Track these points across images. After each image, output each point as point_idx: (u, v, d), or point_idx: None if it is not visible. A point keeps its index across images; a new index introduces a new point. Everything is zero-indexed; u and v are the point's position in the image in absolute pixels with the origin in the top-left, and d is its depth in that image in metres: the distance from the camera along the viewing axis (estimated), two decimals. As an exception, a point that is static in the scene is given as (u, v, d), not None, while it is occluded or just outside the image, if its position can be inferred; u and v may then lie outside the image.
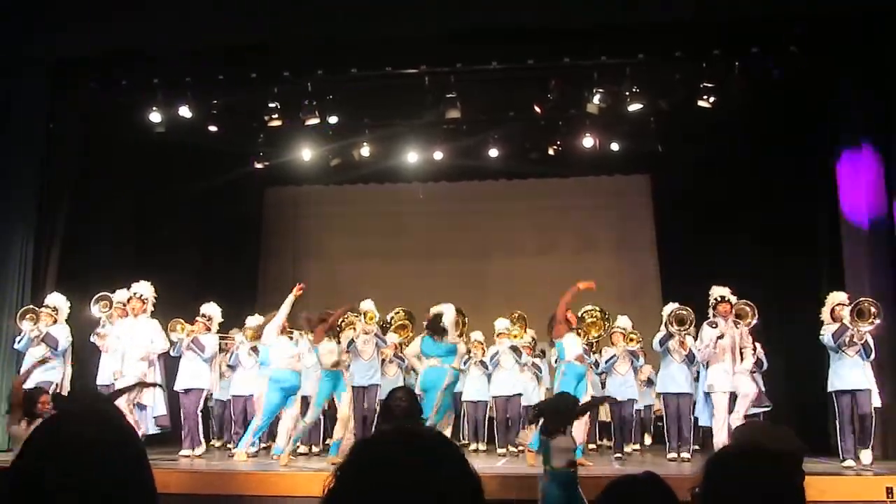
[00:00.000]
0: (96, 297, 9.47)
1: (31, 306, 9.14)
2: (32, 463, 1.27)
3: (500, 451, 10.41)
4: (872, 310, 8.14)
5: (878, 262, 9.34)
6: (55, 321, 9.02)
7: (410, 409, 5.20)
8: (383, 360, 10.59)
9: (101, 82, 10.32)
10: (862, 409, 8.17)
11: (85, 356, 9.54)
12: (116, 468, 1.28)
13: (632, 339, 10.40)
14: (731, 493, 1.87)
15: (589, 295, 11.50)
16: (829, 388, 8.41)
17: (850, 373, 8.26)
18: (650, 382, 11.09)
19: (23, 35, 9.54)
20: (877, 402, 8.32)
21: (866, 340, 8.24)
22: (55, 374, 8.86)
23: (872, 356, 8.33)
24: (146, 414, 9.01)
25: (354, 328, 10.48)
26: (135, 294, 8.96)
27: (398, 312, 11.11)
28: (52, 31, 9.52)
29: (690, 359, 9.36)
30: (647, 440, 11.60)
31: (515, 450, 10.30)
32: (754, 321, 8.87)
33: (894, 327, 9.06)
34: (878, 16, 8.90)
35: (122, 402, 8.42)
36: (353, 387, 10.27)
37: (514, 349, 10.41)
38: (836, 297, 8.60)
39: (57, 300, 9.18)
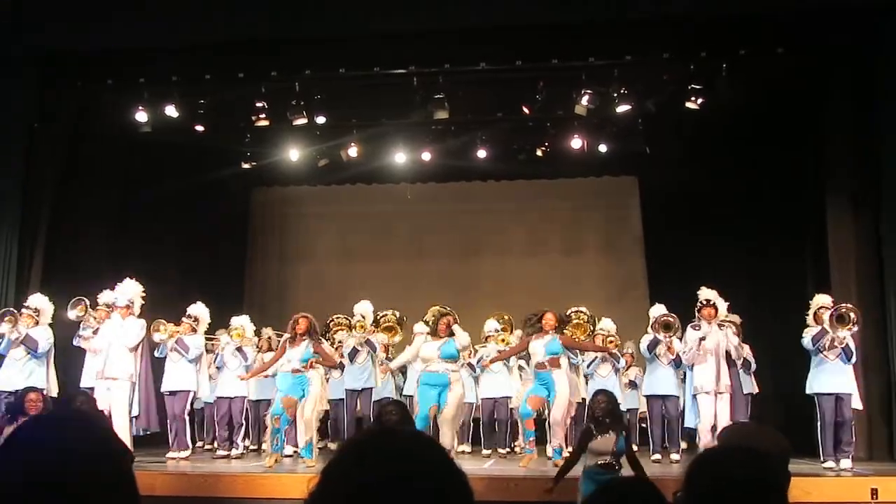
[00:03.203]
0: (72, 301, 9.31)
1: (10, 308, 8.99)
2: (12, 465, 1.26)
3: (485, 452, 10.41)
4: (852, 315, 8.15)
5: (864, 264, 9.42)
6: (37, 323, 8.86)
7: (401, 422, 5.23)
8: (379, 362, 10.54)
9: (87, 81, 10.25)
10: (842, 414, 8.19)
11: (69, 358, 9.45)
12: (98, 470, 1.27)
13: (610, 342, 10.42)
14: (715, 494, 1.87)
15: (576, 296, 11.59)
16: (809, 391, 8.45)
17: (831, 376, 8.30)
18: (634, 385, 11.09)
19: (7, 33, 9.46)
20: (857, 404, 8.36)
21: (847, 344, 8.26)
22: (39, 379, 8.72)
23: (854, 359, 8.36)
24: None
25: (346, 330, 10.47)
26: (120, 296, 8.88)
27: (386, 314, 11.09)
28: (38, 30, 9.45)
29: (677, 363, 9.39)
30: (633, 447, 11.31)
31: (503, 451, 10.33)
32: (737, 339, 8.91)
33: (879, 329, 9.13)
34: (865, 15, 8.95)
35: (122, 403, 8.43)
36: (346, 390, 10.29)
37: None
38: (820, 300, 8.64)
39: (39, 301, 9.02)
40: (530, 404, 8.55)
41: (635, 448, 10.81)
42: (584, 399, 9.59)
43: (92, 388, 8.83)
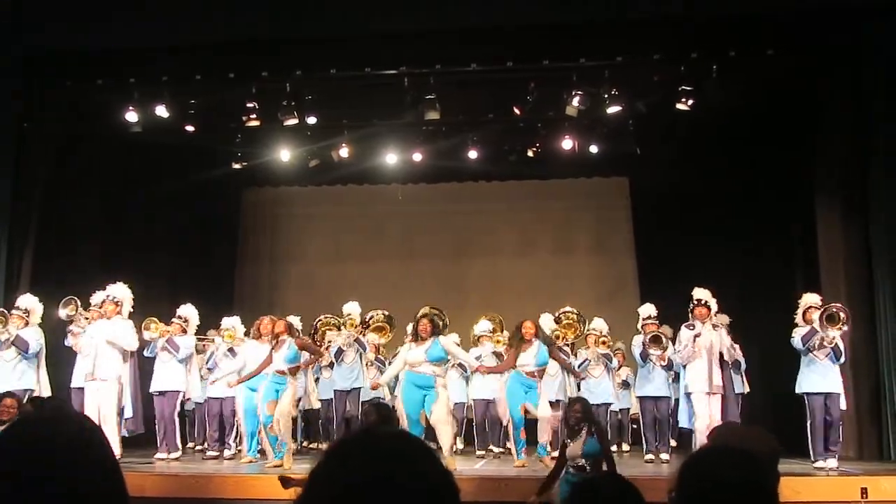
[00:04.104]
0: (63, 300, 9.28)
1: (1, 309, 8.99)
2: (1, 466, 1.26)
3: (478, 453, 10.42)
4: (842, 315, 8.17)
5: (853, 265, 9.46)
6: (27, 323, 8.82)
7: (379, 421, 5.25)
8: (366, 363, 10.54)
9: (77, 81, 10.21)
10: (831, 414, 8.23)
11: (59, 359, 9.41)
12: (86, 472, 1.27)
13: (603, 343, 10.44)
14: (705, 495, 1.88)
15: (567, 296, 11.59)
16: (798, 390, 8.48)
17: (821, 376, 8.33)
18: (626, 385, 11.10)
19: (1, 32, 9.43)
20: (842, 405, 8.40)
21: (836, 344, 8.29)
22: (30, 381, 8.70)
23: (843, 359, 8.40)
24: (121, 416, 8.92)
25: (334, 330, 10.46)
26: (108, 296, 8.85)
27: (375, 314, 11.08)
28: (27, 29, 9.41)
29: (669, 366, 9.43)
30: (626, 447, 11.12)
31: (495, 451, 10.34)
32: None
33: (869, 329, 9.17)
34: (861, 15, 9.00)
35: (110, 403, 8.40)
36: (334, 390, 10.29)
37: (498, 354, 10.42)
38: (809, 300, 8.67)
39: (29, 302, 8.98)
40: (523, 412, 8.59)
41: (626, 448, 10.97)
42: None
43: (81, 389, 8.81)
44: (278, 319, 8.89)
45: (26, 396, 8.62)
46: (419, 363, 8.21)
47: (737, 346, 9.12)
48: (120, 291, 8.92)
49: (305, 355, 9.04)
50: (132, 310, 9.02)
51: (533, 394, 8.55)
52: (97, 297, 9.20)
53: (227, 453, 9.82)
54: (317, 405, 10.87)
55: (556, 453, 8.57)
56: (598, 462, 5.81)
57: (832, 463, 8.08)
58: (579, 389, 10.11)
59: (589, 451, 5.78)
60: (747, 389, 9.73)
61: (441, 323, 8.57)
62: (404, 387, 8.30)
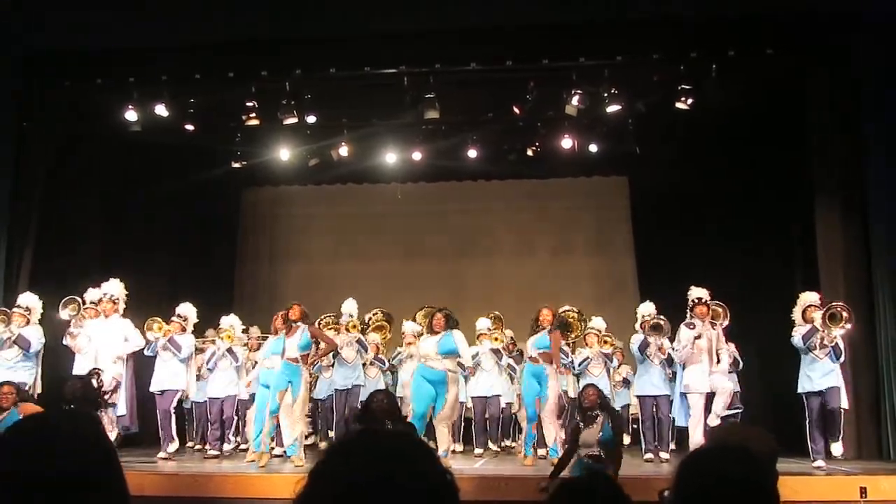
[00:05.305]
0: (65, 300, 9.26)
1: (2, 308, 8.99)
2: (5, 462, 1.26)
3: (476, 451, 10.43)
4: (844, 314, 8.18)
5: (852, 264, 9.46)
6: (28, 322, 8.84)
7: (390, 410, 5.30)
8: (364, 363, 10.55)
9: (77, 81, 10.21)
10: (831, 404, 8.23)
11: (57, 357, 9.41)
12: (88, 469, 1.27)
13: (606, 342, 10.44)
14: (706, 491, 1.88)
15: (567, 296, 11.60)
16: (800, 390, 8.50)
17: (821, 375, 8.34)
18: (626, 383, 11.10)
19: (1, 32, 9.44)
20: (844, 403, 8.41)
21: (836, 342, 8.30)
22: (27, 376, 8.69)
23: (843, 358, 8.41)
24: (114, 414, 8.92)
25: (336, 330, 10.46)
26: (105, 294, 8.85)
27: (376, 313, 11.08)
28: (27, 29, 9.42)
29: (669, 362, 9.43)
30: (626, 439, 11.28)
31: (493, 450, 10.34)
32: (726, 322, 8.96)
33: (868, 329, 9.18)
34: (861, 16, 9.01)
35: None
36: (335, 389, 10.30)
37: (496, 351, 10.43)
38: (808, 298, 8.67)
39: (30, 300, 8.99)
40: (538, 407, 8.59)
41: (627, 440, 10.95)
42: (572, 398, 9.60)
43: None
44: (294, 305, 8.81)
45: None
46: (430, 356, 8.22)
47: (731, 346, 9.13)
48: (116, 288, 8.93)
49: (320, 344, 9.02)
50: (125, 306, 9.02)
51: (545, 385, 8.54)
52: (92, 295, 9.20)
53: (226, 447, 9.82)
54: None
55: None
56: (610, 451, 5.87)
57: (837, 448, 8.08)
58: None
59: (605, 439, 5.84)
60: (737, 389, 9.75)
61: (455, 320, 8.56)
62: (415, 380, 8.34)
